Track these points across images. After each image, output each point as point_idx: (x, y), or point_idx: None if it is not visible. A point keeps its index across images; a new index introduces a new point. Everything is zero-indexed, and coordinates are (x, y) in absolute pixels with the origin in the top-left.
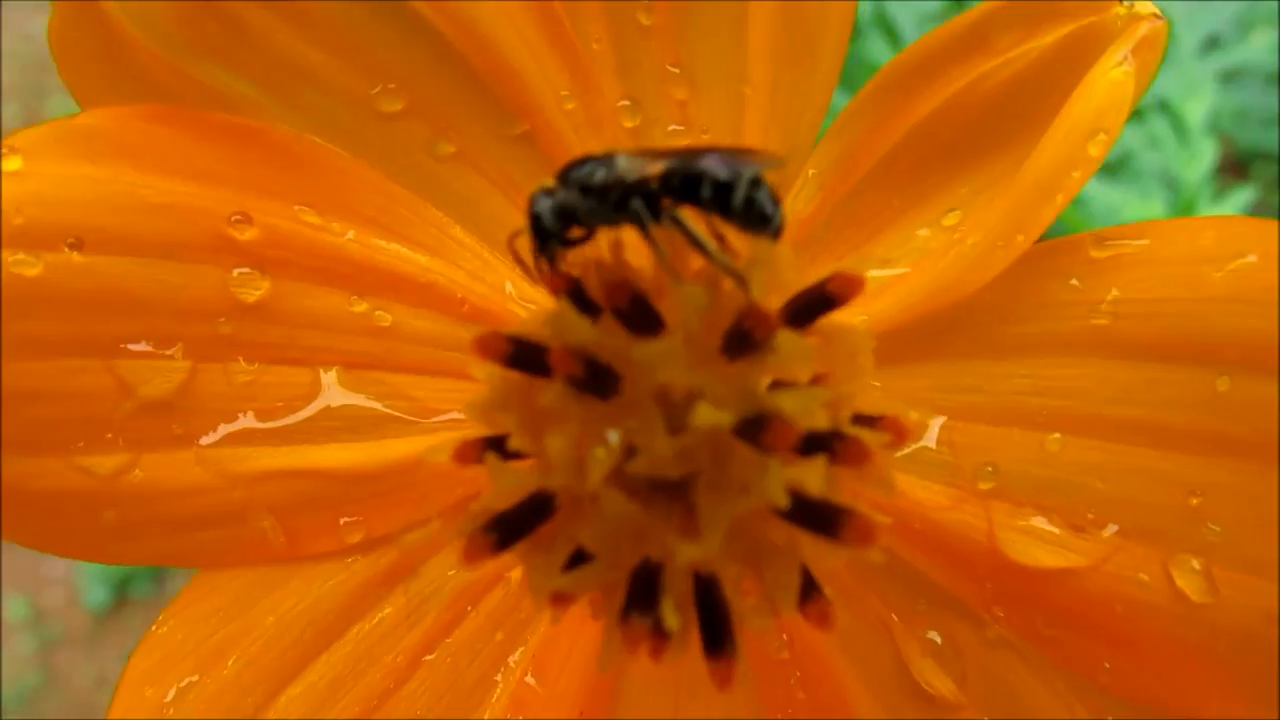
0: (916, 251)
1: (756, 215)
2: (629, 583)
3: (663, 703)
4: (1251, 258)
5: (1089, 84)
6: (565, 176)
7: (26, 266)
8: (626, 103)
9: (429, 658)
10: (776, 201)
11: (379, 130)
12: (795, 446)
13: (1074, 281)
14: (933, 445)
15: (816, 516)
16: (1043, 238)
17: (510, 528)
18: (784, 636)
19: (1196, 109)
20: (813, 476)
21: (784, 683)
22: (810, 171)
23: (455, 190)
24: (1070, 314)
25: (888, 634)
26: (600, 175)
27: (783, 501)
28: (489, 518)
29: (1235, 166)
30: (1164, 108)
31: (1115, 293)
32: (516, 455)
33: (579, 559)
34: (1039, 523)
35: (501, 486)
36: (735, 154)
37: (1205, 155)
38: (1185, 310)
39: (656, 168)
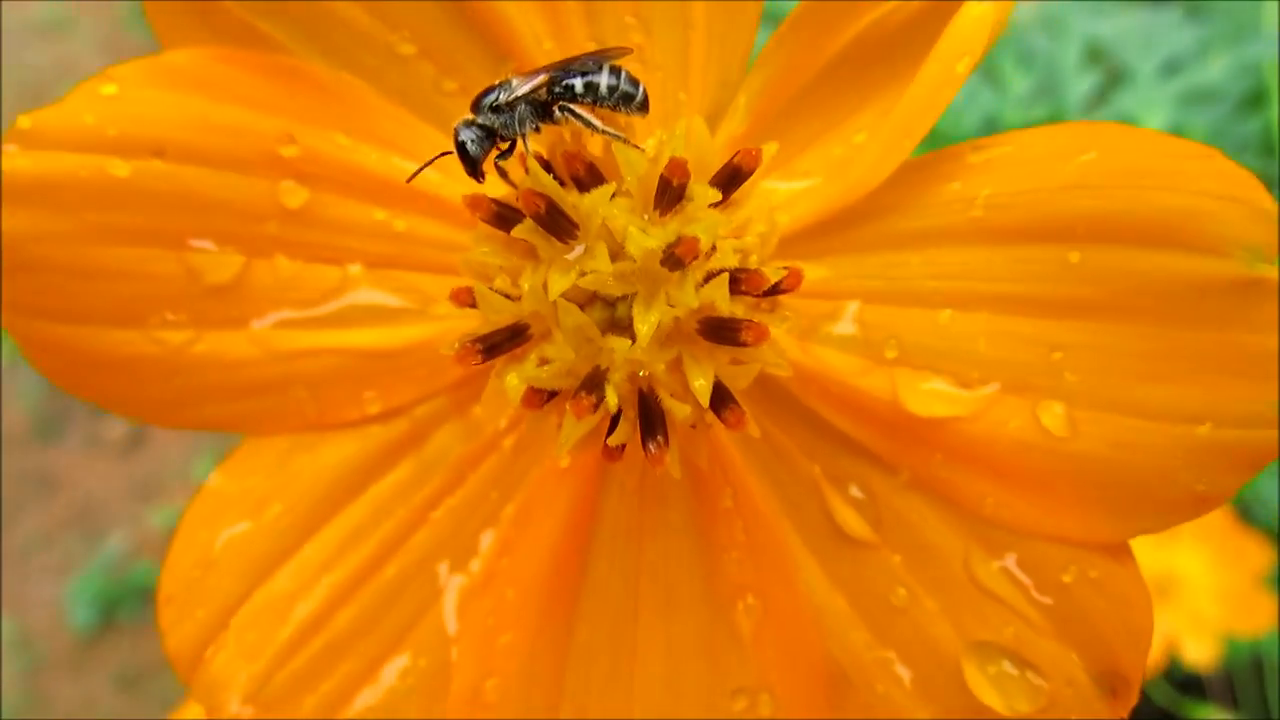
0: (831, 165)
1: (622, 94)
2: (581, 381)
3: (627, 548)
4: (1092, 154)
5: (958, 18)
6: (477, 105)
7: (118, 168)
8: (594, 45)
9: (434, 514)
10: (635, 82)
11: (397, 70)
12: (710, 271)
13: (955, 184)
14: (850, 326)
15: (724, 331)
16: None
17: (493, 347)
18: (729, 489)
19: (1154, 121)
20: (718, 293)
21: (729, 527)
22: (741, 99)
23: (457, 119)
24: (953, 210)
25: (815, 486)
26: (502, 96)
27: (693, 304)
28: (476, 336)
29: None
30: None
31: (988, 190)
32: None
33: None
34: (935, 383)
35: (488, 313)
36: (596, 54)
37: None
38: (1042, 199)
39: (541, 78)
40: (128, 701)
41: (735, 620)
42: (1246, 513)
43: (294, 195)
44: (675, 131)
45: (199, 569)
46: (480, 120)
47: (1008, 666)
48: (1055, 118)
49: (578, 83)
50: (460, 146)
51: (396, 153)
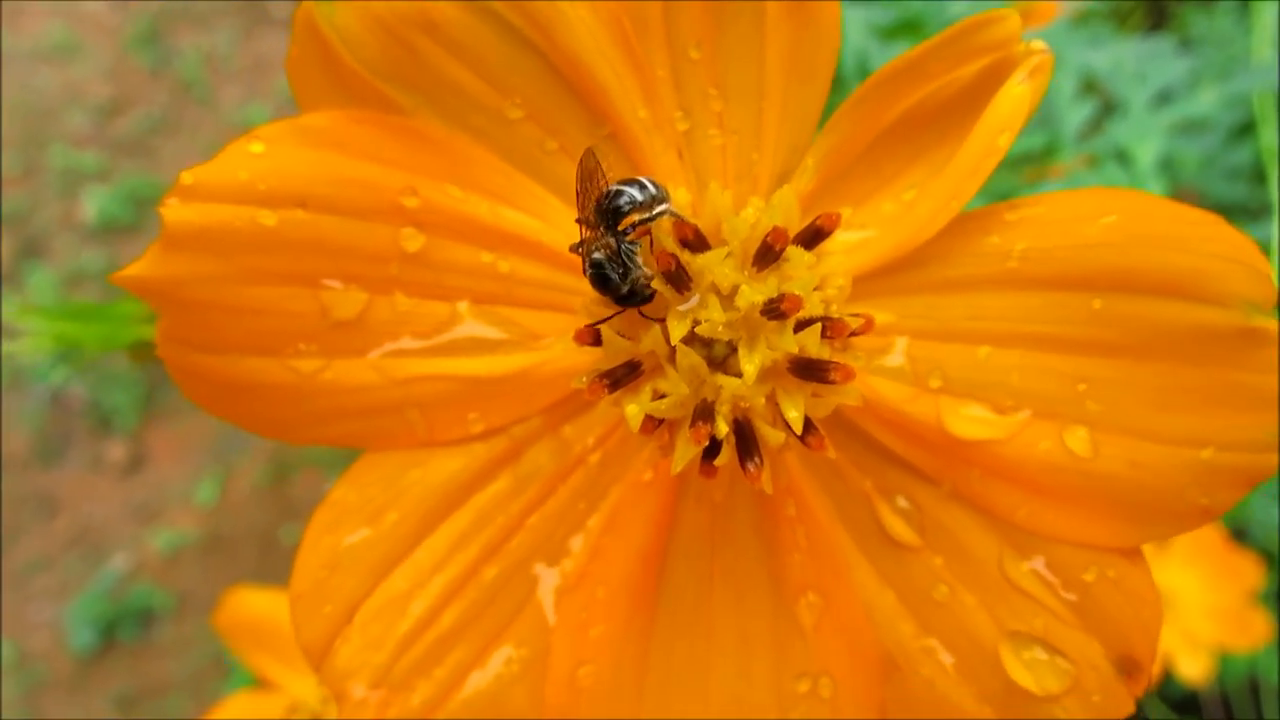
0: (885, 219)
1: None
2: (694, 412)
3: (702, 551)
4: (1113, 217)
5: (999, 97)
6: (605, 282)
7: (267, 218)
8: (680, 113)
9: (530, 520)
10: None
11: (505, 131)
12: (801, 319)
13: (994, 237)
14: (900, 359)
15: (814, 370)
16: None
17: (614, 380)
18: (791, 500)
19: (1146, 152)
20: (811, 340)
21: (792, 533)
22: (809, 161)
23: (558, 174)
24: (991, 260)
25: (867, 498)
26: (602, 256)
27: (794, 349)
28: (601, 372)
29: None
30: (1119, 157)
31: (1022, 244)
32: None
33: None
34: (974, 409)
35: (610, 352)
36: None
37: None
38: (1070, 254)
39: (620, 223)
40: None
41: (799, 614)
42: (1244, 536)
43: (413, 240)
44: (773, 202)
45: (325, 570)
46: (615, 280)
47: (1039, 653)
48: (1052, 147)
49: (625, 198)
50: (638, 294)
51: (503, 203)
